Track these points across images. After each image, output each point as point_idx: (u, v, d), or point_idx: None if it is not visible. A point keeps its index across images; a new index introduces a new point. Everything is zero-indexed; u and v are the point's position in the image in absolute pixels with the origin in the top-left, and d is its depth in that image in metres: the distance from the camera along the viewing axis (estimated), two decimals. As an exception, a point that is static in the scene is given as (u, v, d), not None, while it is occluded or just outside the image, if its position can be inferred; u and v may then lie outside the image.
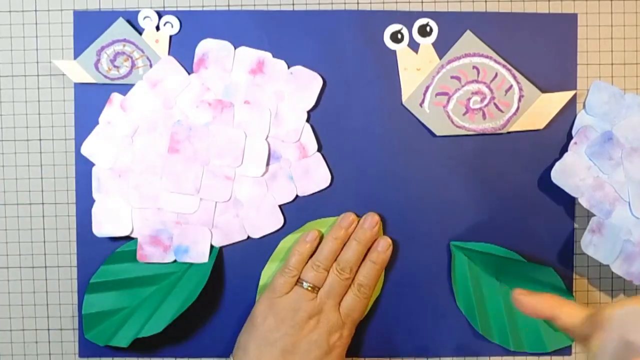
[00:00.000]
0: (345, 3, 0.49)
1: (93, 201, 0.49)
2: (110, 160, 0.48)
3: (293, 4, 0.49)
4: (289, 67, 0.49)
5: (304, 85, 0.49)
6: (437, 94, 0.49)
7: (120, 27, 0.48)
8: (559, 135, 0.50)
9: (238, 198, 0.49)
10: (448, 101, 0.49)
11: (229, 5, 0.49)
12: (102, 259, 0.49)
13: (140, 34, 0.49)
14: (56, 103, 0.50)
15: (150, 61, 0.49)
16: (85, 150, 0.49)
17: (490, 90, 0.49)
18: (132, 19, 0.49)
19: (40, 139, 0.50)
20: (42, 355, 0.50)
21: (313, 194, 0.49)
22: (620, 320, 0.32)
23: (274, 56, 0.49)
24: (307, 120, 0.49)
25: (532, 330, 0.49)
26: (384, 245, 0.48)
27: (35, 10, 0.49)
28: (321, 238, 0.49)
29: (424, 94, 0.49)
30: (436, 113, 0.49)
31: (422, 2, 0.49)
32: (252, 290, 0.50)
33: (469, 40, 0.49)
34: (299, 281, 0.47)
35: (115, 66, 0.49)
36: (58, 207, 0.50)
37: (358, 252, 0.47)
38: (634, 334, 0.31)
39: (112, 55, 0.48)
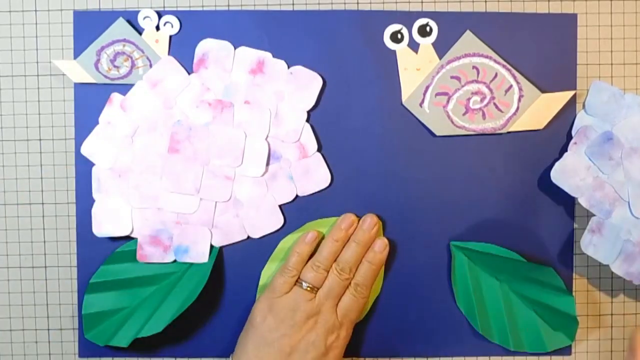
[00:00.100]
0: (345, 3, 0.49)
1: (93, 201, 0.49)
2: (110, 160, 0.48)
3: (293, 4, 0.49)
4: (289, 67, 0.49)
5: (304, 85, 0.49)
6: (437, 94, 0.49)
7: (120, 27, 0.48)
8: (558, 135, 0.50)
9: (238, 198, 0.49)
10: (448, 101, 0.49)
11: (229, 5, 0.49)
12: (102, 259, 0.49)
13: (140, 34, 0.49)
14: (56, 103, 0.50)
15: (150, 61, 0.49)
16: (85, 150, 0.49)
17: (490, 90, 0.49)
18: (132, 19, 0.49)
19: (40, 139, 0.50)
20: (42, 355, 0.50)
21: (313, 194, 0.49)
22: None
23: (274, 56, 0.49)
24: (307, 120, 0.49)
25: (532, 330, 0.49)
26: (381, 245, 0.48)
27: (35, 10, 0.49)
28: (321, 239, 0.49)
29: (424, 94, 0.49)
30: (436, 113, 0.49)
31: (422, 2, 0.49)
32: (252, 290, 0.50)
33: (468, 40, 0.49)
34: (298, 281, 0.47)
35: (115, 66, 0.49)
36: (58, 207, 0.50)
37: (357, 253, 0.48)
38: None
39: (112, 55, 0.48)
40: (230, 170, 0.48)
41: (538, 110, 0.49)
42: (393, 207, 0.50)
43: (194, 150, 0.48)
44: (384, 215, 0.50)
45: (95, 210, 0.49)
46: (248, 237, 0.49)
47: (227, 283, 0.50)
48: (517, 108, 0.49)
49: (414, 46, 0.49)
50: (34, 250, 0.50)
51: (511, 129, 0.49)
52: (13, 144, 0.50)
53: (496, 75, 0.49)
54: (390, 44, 0.49)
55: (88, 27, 0.49)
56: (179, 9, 0.49)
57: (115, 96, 0.48)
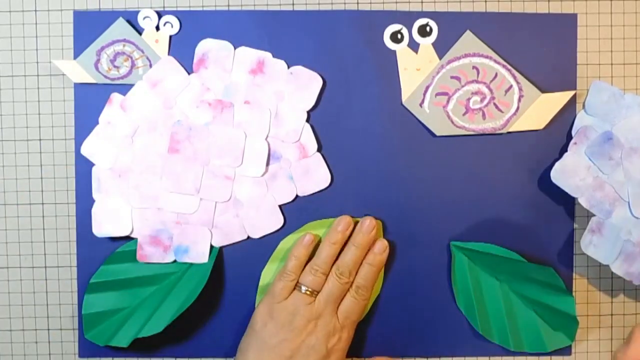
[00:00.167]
0: (345, 3, 0.49)
1: (93, 201, 0.49)
2: (110, 160, 0.48)
3: (293, 4, 0.49)
4: (289, 67, 0.49)
5: (304, 85, 0.49)
6: (437, 94, 0.49)
7: (120, 27, 0.48)
8: (558, 135, 0.50)
9: (238, 198, 0.49)
10: (448, 101, 0.49)
11: (229, 5, 0.49)
12: (102, 259, 0.49)
13: (140, 34, 0.49)
14: (56, 103, 0.50)
15: (150, 61, 0.49)
16: (85, 150, 0.49)
17: (490, 90, 0.49)
18: (132, 19, 0.49)
19: (40, 139, 0.50)
20: (42, 355, 0.50)
21: (313, 194, 0.49)
22: None
23: (274, 56, 0.49)
24: (307, 120, 0.49)
25: (532, 330, 0.49)
26: (381, 247, 0.48)
27: (35, 10, 0.49)
28: (318, 241, 0.49)
29: (424, 94, 0.49)
30: (436, 113, 0.49)
31: (422, 2, 0.49)
32: (252, 291, 0.50)
33: (468, 40, 0.49)
34: (297, 285, 0.47)
35: (115, 66, 0.49)
36: (58, 207, 0.50)
37: (357, 257, 0.47)
38: None
39: (112, 55, 0.48)
40: (230, 170, 0.48)
41: (538, 110, 0.49)
42: (393, 207, 0.50)
43: (194, 150, 0.48)
44: (383, 215, 0.50)
45: (95, 210, 0.49)
46: (248, 237, 0.49)
47: (227, 283, 0.50)
48: (517, 108, 0.49)
49: (414, 46, 0.49)
50: (34, 250, 0.50)
51: (511, 129, 0.49)
52: (13, 144, 0.50)
53: (496, 75, 0.49)
54: (390, 44, 0.49)
55: (88, 27, 0.49)
56: (179, 9, 0.49)
57: (115, 96, 0.48)
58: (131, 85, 0.49)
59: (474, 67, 0.49)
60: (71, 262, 0.50)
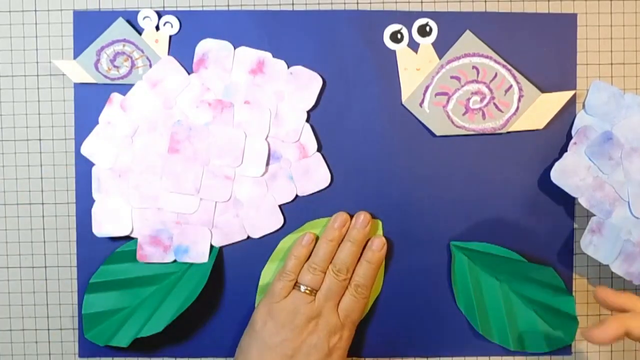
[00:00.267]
0: (345, 3, 0.49)
1: (93, 201, 0.49)
2: (110, 160, 0.48)
3: (293, 4, 0.49)
4: (288, 67, 0.49)
5: (304, 85, 0.49)
6: (436, 94, 0.49)
7: (120, 27, 0.48)
8: (558, 135, 0.50)
9: (238, 198, 0.49)
10: (448, 101, 0.49)
11: (228, 5, 0.49)
12: (102, 259, 0.49)
13: (140, 34, 0.49)
14: (56, 103, 0.50)
15: (150, 61, 0.49)
16: (85, 150, 0.49)
17: (490, 90, 0.49)
18: (131, 19, 0.49)
19: (40, 139, 0.50)
20: (42, 355, 0.50)
21: (313, 194, 0.49)
22: None
23: (274, 56, 0.49)
24: (307, 120, 0.49)
25: (532, 330, 0.49)
26: (379, 244, 0.48)
27: (35, 10, 0.49)
28: (317, 240, 0.49)
29: (424, 94, 0.49)
30: (436, 113, 0.49)
31: (421, 2, 0.49)
32: (252, 290, 0.50)
33: (468, 40, 0.49)
34: (296, 285, 0.47)
35: (115, 66, 0.49)
36: (58, 207, 0.50)
37: (353, 253, 0.47)
38: None
39: (112, 55, 0.48)
40: (230, 170, 0.48)
41: (538, 110, 0.49)
42: (393, 207, 0.50)
43: (194, 150, 0.48)
44: (383, 215, 0.50)
45: (95, 210, 0.49)
46: (248, 237, 0.49)
47: (227, 283, 0.50)
48: (517, 108, 0.49)
49: (413, 46, 0.49)
50: (34, 250, 0.50)
51: (511, 129, 0.49)
52: (13, 144, 0.50)
53: (496, 75, 0.49)
54: (390, 44, 0.49)
55: (88, 27, 0.49)
56: (178, 9, 0.49)
57: (115, 96, 0.48)
58: (131, 85, 0.49)
59: (473, 67, 0.49)
60: (71, 262, 0.50)
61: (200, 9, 0.49)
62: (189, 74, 0.49)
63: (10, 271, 0.50)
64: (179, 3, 0.49)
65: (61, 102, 0.49)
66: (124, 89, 0.49)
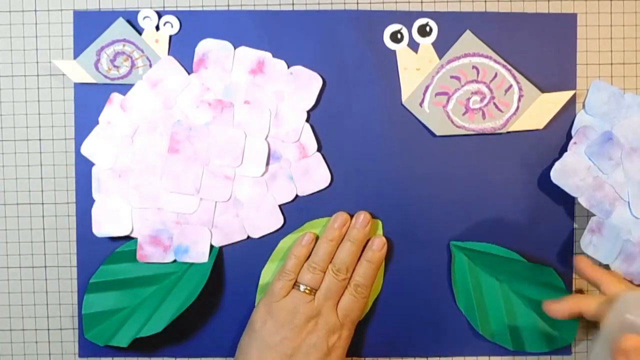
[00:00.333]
0: (345, 3, 0.49)
1: (93, 201, 0.49)
2: (110, 160, 0.48)
3: (293, 4, 0.49)
4: (289, 67, 0.49)
5: (304, 85, 0.49)
6: (436, 94, 0.49)
7: (120, 27, 0.48)
8: (558, 135, 0.50)
9: (238, 198, 0.49)
10: (448, 101, 0.49)
11: (229, 5, 0.49)
12: (102, 259, 0.49)
13: (140, 34, 0.49)
14: (56, 103, 0.50)
15: (150, 61, 0.49)
16: (85, 150, 0.49)
17: (490, 90, 0.49)
18: (132, 19, 0.49)
19: (40, 139, 0.50)
20: (42, 355, 0.50)
21: (313, 194, 0.49)
22: (622, 303, 0.38)
23: (274, 56, 0.49)
24: (307, 120, 0.49)
25: (532, 330, 0.49)
26: (379, 243, 0.48)
27: (35, 10, 0.49)
28: (317, 240, 0.49)
29: (424, 94, 0.49)
30: (436, 113, 0.49)
31: (421, 2, 0.49)
32: (252, 290, 0.50)
33: (468, 40, 0.49)
34: (296, 284, 0.47)
35: (115, 66, 0.49)
36: (58, 207, 0.50)
37: (352, 252, 0.47)
38: (631, 314, 0.37)
39: (112, 55, 0.48)
40: (230, 170, 0.48)
41: (538, 110, 0.49)
42: (393, 207, 0.50)
43: (194, 150, 0.48)
44: (383, 215, 0.50)
45: (95, 210, 0.49)
46: (248, 237, 0.49)
47: (227, 283, 0.50)
48: (517, 108, 0.49)
49: (413, 46, 0.49)
50: (34, 250, 0.50)
51: (511, 129, 0.49)
52: (13, 144, 0.50)
53: (496, 75, 0.49)
54: (390, 44, 0.49)
55: (88, 27, 0.49)
56: (178, 9, 0.49)
57: (115, 96, 0.48)
58: (131, 85, 0.49)
59: (473, 67, 0.49)
60: (71, 262, 0.50)
61: (200, 9, 0.49)
62: (189, 74, 0.49)
63: (10, 271, 0.50)
64: (179, 3, 0.49)
65: (61, 102, 0.49)
66: (124, 89, 0.49)
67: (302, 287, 0.46)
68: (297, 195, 0.49)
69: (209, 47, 0.49)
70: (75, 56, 0.49)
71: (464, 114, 0.49)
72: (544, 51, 0.49)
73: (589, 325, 0.51)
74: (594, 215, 0.48)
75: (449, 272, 0.50)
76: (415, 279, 0.50)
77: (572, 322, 0.48)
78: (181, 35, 0.49)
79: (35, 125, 0.50)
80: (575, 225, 0.50)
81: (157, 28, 0.49)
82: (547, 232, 0.50)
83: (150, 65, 0.49)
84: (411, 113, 0.49)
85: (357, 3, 0.49)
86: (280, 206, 0.49)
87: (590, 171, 0.48)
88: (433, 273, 0.50)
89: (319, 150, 0.49)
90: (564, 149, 0.49)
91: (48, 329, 0.50)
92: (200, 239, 0.49)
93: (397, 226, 0.50)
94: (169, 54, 0.49)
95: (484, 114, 0.49)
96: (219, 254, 0.49)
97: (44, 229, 0.50)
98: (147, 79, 0.48)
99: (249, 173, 0.49)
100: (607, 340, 0.38)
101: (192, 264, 0.49)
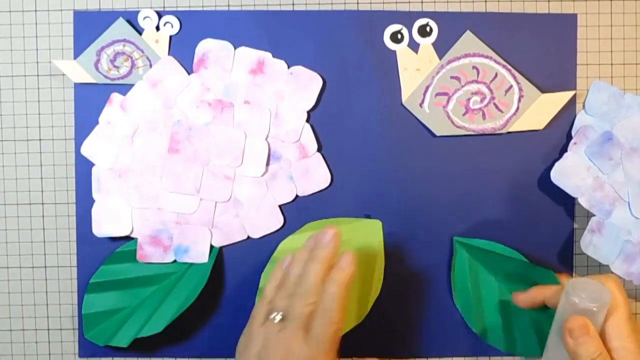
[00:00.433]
0: (345, 3, 0.49)
1: (93, 201, 0.49)
2: (110, 160, 0.48)
3: (293, 4, 0.49)
4: (289, 67, 0.49)
5: (304, 85, 0.49)
6: (437, 94, 0.49)
7: (120, 27, 0.48)
8: (558, 135, 0.50)
9: (238, 198, 0.49)
10: (448, 101, 0.49)
11: (229, 5, 0.49)
12: (102, 259, 0.49)
13: (140, 34, 0.49)
14: (56, 103, 0.50)
15: (150, 61, 0.49)
16: (85, 150, 0.49)
17: (490, 90, 0.49)
18: (132, 19, 0.49)
19: (40, 139, 0.50)
20: (42, 355, 0.50)
21: (313, 194, 0.49)
22: (569, 288, 0.41)
23: (274, 56, 0.49)
24: (307, 120, 0.49)
25: (525, 334, 0.48)
26: (346, 261, 0.42)
27: (35, 10, 0.49)
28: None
29: (424, 94, 0.49)
30: (436, 113, 0.49)
31: (422, 2, 0.49)
32: (252, 291, 0.50)
33: (468, 41, 0.49)
34: (272, 310, 0.41)
35: (115, 66, 0.49)
36: (58, 207, 0.50)
37: (317, 272, 0.41)
38: (576, 298, 0.40)
39: (112, 55, 0.48)
40: (230, 170, 0.48)
41: (538, 110, 0.49)
42: (392, 208, 0.50)
43: (194, 150, 0.48)
44: (383, 215, 0.50)
45: (95, 210, 0.49)
46: (248, 237, 0.49)
47: (227, 283, 0.50)
48: (517, 108, 0.49)
49: (414, 46, 0.49)
50: (34, 250, 0.50)
51: (511, 129, 0.49)
52: (13, 144, 0.50)
53: (496, 75, 0.49)
54: (390, 44, 0.49)
55: (88, 27, 0.49)
56: (179, 9, 0.49)
57: (115, 96, 0.48)
58: (131, 85, 0.49)
59: (474, 67, 0.49)
60: (71, 262, 0.50)
61: (200, 9, 0.49)
62: (189, 74, 0.49)
63: (10, 271, 0.50)
64: (179, 3, 0.49)
65: (61, 102, 0.49)
66: (124, 89, 0.49)
67: (275, 314, 0.41)
68: (297, 196, 0.49)
69: (209, 47, 0.49)
70: (76, 56, 0.49)
71: (464, 114, 0.49)
72: (544, 51, 0.49)
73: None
74: (594, 215, 0.48)
75: (449, 273, 0.50)
76: (413, 280, 0.50)
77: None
78: (181, 35, 0.49)
79: (35, 125, 0.50)
80: (575, 226, 0.50)
81: (157, 28, 0.49)
82: (547, 232, 0.50)
83: (151, 66, 0.49)
84: (411, 113, 0.49)
85: (358, 3, 0.49)
86: (280, 206, 0.49)
87: (590, 171, 0.48)
88: (432, 274, 0.50)
89: (319, 150, 0.49)
90: (564, 149, 0.49)
91: (48, 329, 0.50)
92: (200, 239, 0.49)
93: (397, 226, 0.50)
94: (169, 54, 0.49)
95: (484, 114, 0.49)
96: (219, 254, 0.49)
97: (44, 229, 0.50)
98: (147, 79, 0.48)
99: (249, 173, 0.49)
100: (559, 323, 0.41)
101: (192, 264, 0.49)
